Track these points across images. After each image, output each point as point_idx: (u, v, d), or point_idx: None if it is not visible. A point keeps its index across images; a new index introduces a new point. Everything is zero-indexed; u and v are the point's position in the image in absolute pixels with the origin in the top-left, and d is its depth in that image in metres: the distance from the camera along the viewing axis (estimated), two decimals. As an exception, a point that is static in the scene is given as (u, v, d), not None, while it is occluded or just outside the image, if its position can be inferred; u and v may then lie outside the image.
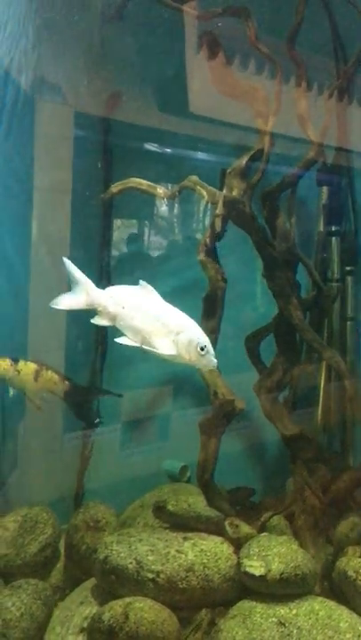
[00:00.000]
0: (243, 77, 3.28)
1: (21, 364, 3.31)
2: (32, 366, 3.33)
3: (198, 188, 3.01)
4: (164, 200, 3.19)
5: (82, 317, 3.94)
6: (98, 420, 3.70)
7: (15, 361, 3.29)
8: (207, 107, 3.33)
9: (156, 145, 3.92)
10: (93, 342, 4.08)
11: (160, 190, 3.17)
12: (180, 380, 3.91)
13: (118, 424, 4.10)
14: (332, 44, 3.38)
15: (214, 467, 3.16)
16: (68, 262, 2.59)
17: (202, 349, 2.39)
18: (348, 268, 3.62)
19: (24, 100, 3.61)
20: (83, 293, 2.55)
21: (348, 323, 3.62)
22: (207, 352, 2.41)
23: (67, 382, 3.43)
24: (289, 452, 3.27)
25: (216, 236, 3.13)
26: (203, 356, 2.40)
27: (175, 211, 4.19)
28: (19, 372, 3.28)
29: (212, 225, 3.13)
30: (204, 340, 2.41)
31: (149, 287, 2.46)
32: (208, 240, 3.13)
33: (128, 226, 4.26)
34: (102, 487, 3.77)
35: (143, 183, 3.21)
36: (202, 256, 3.13)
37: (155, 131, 3.86)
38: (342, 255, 3.61)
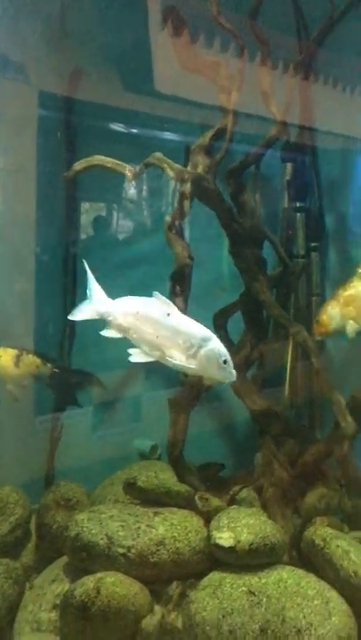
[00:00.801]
0: (207, 54, 3.27)
1: (0, 350, 3.29)
2: (11, 352, 3.31)
3: (163, 164, 2.99)
4: (131, 178, 3.15)
5: (49, 299, 3.99)
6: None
7: None
8: (173, 85, 3.31)
9: (120, 124, 3.89)
10: (61, 325, 4.09)
11: (125, 167, 3.14)
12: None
13: (90, 406, 4.13)
14: (295, 22, 3.37)
15: (183, 443, 3.19)
16: (88, 271, 2.57)
17: (224, 363, 2.34)
18: (312, 245, 3.65)
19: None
20: (95, 303, 2.53)
21: (314, 298, 3.66)
22: (228, 365, 2.36)
23: (49, 365, 3.44)
24: (257, 427, 3.31)
25: (182, 214, 3.13)
26: (223, 370, 2.35)
27: (140, 190, 4.18)
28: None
29: (179, 202, 3.13)
30: (226, 353, 2.36)
31: (164, 298, 2.40)
32: (174, 217, 3.13)
33: (94, 207, 4.25)
34: (74, 468, 3.78)
35: (108, 161, 3.19)
36: (168, 233, 3.13)
37: (119, 110, 3.84)
38: (307, 231, 3.64)
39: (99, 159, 3.21)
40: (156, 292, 2.38)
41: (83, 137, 3.77)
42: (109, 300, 2.52)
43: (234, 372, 2.40)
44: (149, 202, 4.18)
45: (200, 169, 3.06)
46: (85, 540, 2.86)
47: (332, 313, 3.07)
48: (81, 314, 2.59)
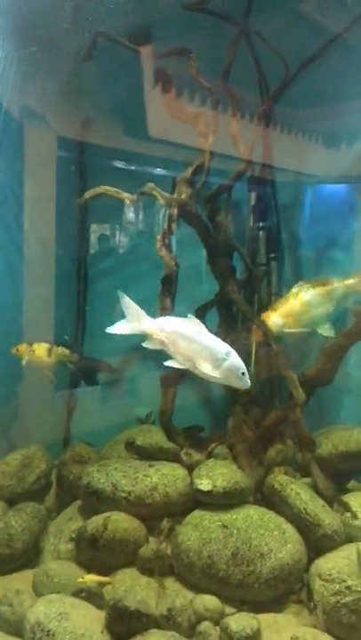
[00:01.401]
0: (190, 107, 3.27)
1: (35, 345, 3.31)
2: (44, 345, 3.33)
3: (154, 192, 3.00)
4: (130, 204, 3.15)
5: (65, 301, 4.01)
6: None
7: (29, 344, 3.29)
8: (163, 131, 3.32)
9: (121, 162, 3.89)
10: (75, 321, 4.10)
11: (125, 195, 3.15)
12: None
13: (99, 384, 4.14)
14: (258, 81, 3.37)
15: (172, 411, 3.20)
16: (123, 296, 2.46)
17: (242, 374, 2.32)
18: (272, 255, 3.64)
19: (14, 127, 3.57)
20: (135, 322, 2.44)
21: (273, 297, 3.66)
22: (245, 376, 2.33)
23: (75, 354, 3.47)
24: (230, 397, 3.32)
25: (170, 231, 3.14)
26: (241, 379, 2.33)
27: (136, 214, 4.18)
28: (34, 351, 3.27)
29: (167, 222, 3.14)
30: (243, 366, 2.32)
31: (196, 320, 2.35)
32: (164, 234, 3.14)
33: (100, 228, 4.25)
34: (87, 432, 3.78)
35: (110, 190, 3.19)
36: (159, 247, 3.14)
37: (121, 150, 3.84)
38: (268, 245, 3.64)
39: (104, 189, 3.21)
40: (190, 315, 2.33)
41: (92, 172, 3.76)
42: (150, 318, 2.42)
43: (249, 381, 2.37)
44: (143, 224, 4.18)
45: (184, 196, 3.06)
46: (95, 487, 2.87)
47: (276, 321, 3.03)
48: (120, 329, 2.47)
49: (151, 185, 3.04)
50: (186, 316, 2.42)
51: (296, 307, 3.02)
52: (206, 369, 2.28)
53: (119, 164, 3.90)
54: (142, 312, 2.43)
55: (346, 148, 3.52)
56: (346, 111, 3.46)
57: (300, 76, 3.20)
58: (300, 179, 3.67)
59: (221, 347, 2.29)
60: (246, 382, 2.35)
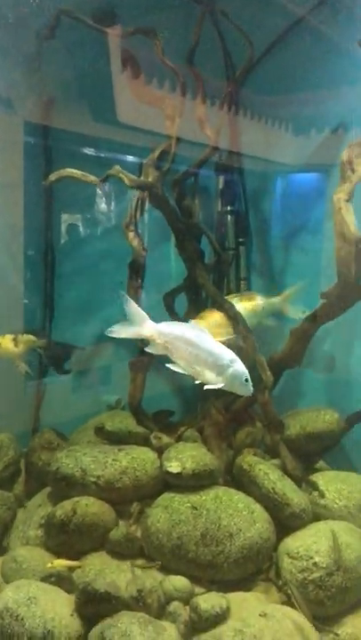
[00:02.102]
0: (157, 91, 3.23)
1: None
2: (8, 336, 3.26)
3: (121, 175, 2.96)
4: (100, 193, 3.11)
5: (34, 288, 3.96)
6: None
7: None
8: (132, 116, 3.27)
9: (90, 148, 3.83)
10: (43, 308, 4.06)
11: (91, 178, 3.10)
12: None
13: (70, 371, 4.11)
14: (224, 64, 3.36)
15: (141, 396, 3.19)
16: (127, 299, 2.37)
17: (246, 381, 2.26)
18: (240, 240, 3.65)
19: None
20: (137, 326, 2.33)
21: (242, 282, 3.67)
22: (248, 382, 2.27)
23: (42, 340, 3.41)
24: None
25: (137, 215, 3.12)
26: (245, 386, 2.27)
27: (108, 205, 4.14)
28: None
29: (134, 205, 3.11)
30: (247, 373, 2.26)
31: (200, 327, 2.31)
32: (131, 217, 3.12)
33: (70, 216, 4.20)
34: (57, 421, 3.75)
35: (76, 172, 3.13)
36: (126, 230, 3.11)
37: (88, 136, 3.78)
38: (236, 230, 3.64)
39: (69, 171, 3.15)
40: (192, 321, 2.32)
41: (58, 158, 3.70)
42: (152, 323, 2.32)
43: (252, 388, 2.31)
44: (112, 212, 4.13)
45: (151, 179, 3.04)
46: (64, 472, 2.85)
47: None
48: (122, 333, 2.35)
49: (117, 167, 3.00)
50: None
51: (223, 318, 2.99)
52: (210, 376, 2.24)
53: (87, 150, 3.83)
54: (145, 316, 2.34)
55: (315, 135, 3.52)
56: (314, 98, 3.47)
57: (269, 62, 3.20)
58: (268, 164, 3.66)
59: (226, 353, 2.24)
60: (249, 389, 2.30)
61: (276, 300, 3.12)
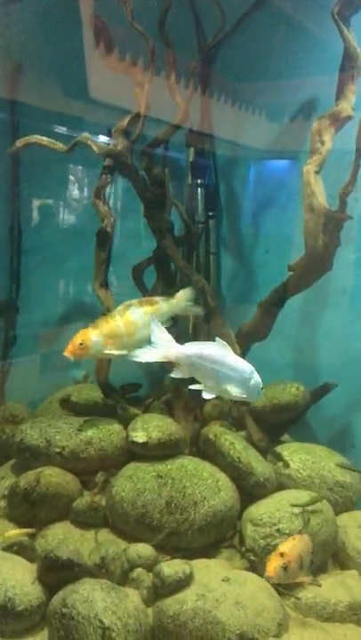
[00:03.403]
0: (126, 58, 3.17)
1: None
2: None
3: (89, 142, 2.91)
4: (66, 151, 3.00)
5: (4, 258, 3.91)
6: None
7: None
8: (104, 93, 3.20)
9: (60, 125, 3.73)
10: (9, 280, 4.00)
11: (58, 145, 3.03)
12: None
13: (38, 354, 4.11)
14: (195, 32, 3.32)
15: (108, 368, 3.15)
16: (153, 320, 2.30)
17: (261, 389, 2.28)
18: (210, 213, 3.62)
19: None
20: (163, 349, 2.26)
21: (211, 256, 3.65)
22: (262, 389, 2.32)
23: None
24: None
25: (105, 183, 3.07)
26: (260, 393, 2.29)
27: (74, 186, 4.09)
28: None
29: (102, 173, 3.06)
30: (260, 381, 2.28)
31: (223, 343, 2.25)
32: (99, 186, 3.06)
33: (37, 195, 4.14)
34: (24, 398, 3.72)
35: (44, 139, 3.06)
36: (94, 199, 3.06)
37: (58, 113, 3.70)
38: (206, 203, 3.61)
39: (36, 138, 3.08)
40: (218, 338, 2.25)
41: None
42: (178, 345, 2.26)
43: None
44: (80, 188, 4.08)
45: (119, 147, 2.99)
46: (28, 443, 2.83)
47: (96, 341, 2.61)
48: (147, 357, 2.29)
49: (86, 135, 2.94)
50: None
51: (121, 326, 2.66)
52: (235, 391, 2.23)
53: (58, 128, 3.73)
54: (171, 339, 2.28)
55: (287, 109, 3.50)
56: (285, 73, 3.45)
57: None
58: (239, 136, 3.63)
59: (245, 366, 2.25)
60: (260, 396, 2.41)
61: (175, 301, 2.87)
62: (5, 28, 3.41)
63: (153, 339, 2.28)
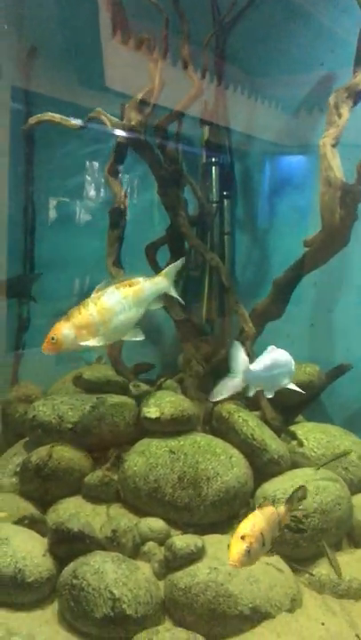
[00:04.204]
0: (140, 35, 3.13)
1: None
2: None
3: (102, 117, 2.90)
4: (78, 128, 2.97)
5: (16, 237, 3.91)
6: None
7: None
8: (121, 82, 3.17)
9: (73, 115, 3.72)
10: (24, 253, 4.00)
11: (71, 122, 3.02)
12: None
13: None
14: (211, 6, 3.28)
15: (121, 347, 3.14)
16: (235, 344, 2.28)
17: None
18: (225, 193, 3.59)
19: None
20: (241, 375, 2.24)
21: (226, 236, 3.62)
22: None
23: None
24: (180, 334, 3.28)
25: (118, 160, 3.05)
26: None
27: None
28: None
29: (115, 149, 3.04)
30: None
31: (280, 350, 2.33)
32: (112, 163, 3.05)
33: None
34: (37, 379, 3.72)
35: (56, 116, 3.07)
36: (107, 176, 3.05)
37: (74, 104, 3.68)
38: (221, 182, 3.57)
39: (49, 115, 3.09)
40: (271, 346, 2.31)
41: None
42: (252, 370, 2.25)
43: None
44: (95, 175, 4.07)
45: (133, 123, 2.96)
46: (40, 419, 2.81)
47: (67, 334, 2.38)
48: (227, 391, 2.29)
49: (99, 109, 2.93)
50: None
51: (95, 315, 2.41)
52: (287, 383, 2.37)
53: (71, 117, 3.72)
54: (247, 361, 2.26)
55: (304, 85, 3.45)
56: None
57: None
58: (256, 115, 3.59)
59: (288, 357, 2.36)
60: None
61: (160, 279, 2.63)
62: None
63: (232, 363, 2.26)
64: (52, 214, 4.07)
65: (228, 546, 1.82)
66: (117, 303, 2.47)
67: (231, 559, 1.79)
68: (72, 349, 2.44)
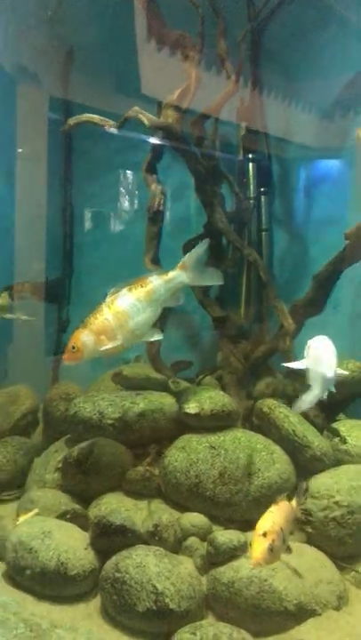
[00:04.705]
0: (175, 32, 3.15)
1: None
2: (4, 293, 3.26)
3: (140, 115, 2.91)
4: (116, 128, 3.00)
5: (57, 240, 3.98)
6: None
7: None
8: (156, 90, 3.19)
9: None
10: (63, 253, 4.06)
11: (109, 122, 3.06)
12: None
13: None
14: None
15: (160, 344, 3.14)
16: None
17: None
18: (262, 189, 3.56)
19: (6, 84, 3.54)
20: (321, 382, 2.28)
21: (263, 233, 3.58)
22: None
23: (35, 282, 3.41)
24: (218, 331, 3.26)
25: (156, 157, 3.07)
26: None
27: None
28: None
29: (152, 149, 3.06)
30: None
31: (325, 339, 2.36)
32: (149, 161, 3.07)
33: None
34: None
35: (95, 117, 3.10)
36: (145, 174, 3.07)
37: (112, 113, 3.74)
38: (258, 179, 3.55)
39: (87, 116, 3.12)
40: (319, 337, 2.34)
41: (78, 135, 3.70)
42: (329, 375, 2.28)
43: None
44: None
45: (170, 120, 2.98)
46: (81, 416, 2.84)
47: (86, 341, 2.38)
48: (310, 401, 2.32)
49: (136, 108, 2.95)
50: None
51: (110, 319, 2.40)
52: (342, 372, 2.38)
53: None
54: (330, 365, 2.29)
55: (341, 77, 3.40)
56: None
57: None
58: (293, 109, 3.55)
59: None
60: None
61: (174, 274, 2.54)
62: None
63: (311, 377, 2.29)
64: (91, 218, 4.13)
65: (250, 544, 1.78)
66: (131, 305, 2.47)
67: (254, 558, 1.75)
68: (94, 356, 2.44)
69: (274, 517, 1.86)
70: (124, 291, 2.48)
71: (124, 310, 2.45)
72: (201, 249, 2.62)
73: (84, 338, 2.39)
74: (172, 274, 2.56)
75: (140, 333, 2.49)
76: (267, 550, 1.76)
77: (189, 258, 2.59)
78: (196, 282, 2.66)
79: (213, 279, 2.78)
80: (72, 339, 2.41)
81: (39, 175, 3.81)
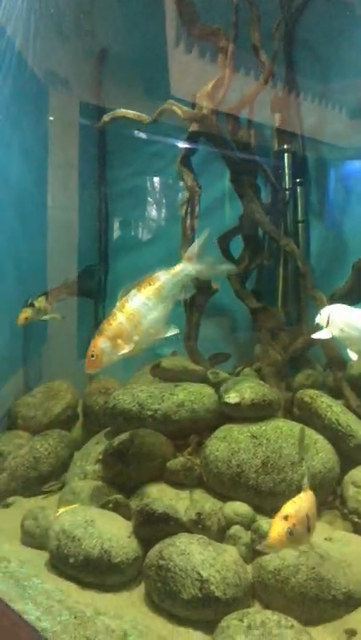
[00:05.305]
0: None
1: (35, 302, 3.26)
2: (41, 298, 3.31)
3: (174, 107, 2.92)
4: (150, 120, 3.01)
5: (88, 247, 4.02)
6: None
7: (31, 305, 3.22)
8: (186, 92, 3.20)
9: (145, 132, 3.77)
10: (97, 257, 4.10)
11: (144, 117, 3.07)
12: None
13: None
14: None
15: (197, 335, 3.13)
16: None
17: None
18: (298, 180, 3.53)
19: (38, 90, 3.61)
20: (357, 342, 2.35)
21: (300, 224, 3.55)
22: None
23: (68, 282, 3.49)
24: (256, 322, 3.24)
25: (191, 151, 3.07)
26: None
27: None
28: (36, 307, 3.22)
29: (188, 140, 3.06)
30: None
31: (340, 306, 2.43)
32: (184, 154, 3.07)
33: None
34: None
35: (130, 112, 3.12)
36: (180, 167, 3.07)
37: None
38: (293, 169, 3.52)
39: (122, 112, 3.14)
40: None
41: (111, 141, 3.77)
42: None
43: None
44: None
45: (205, 111, 2.98)
46: (121, 407, 2.84)
47: (104, 347, 2.36)
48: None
49: (171, 101, 2.96)
50: None
51: (124, 322, 2.38)
52: None
53: (142, 134, 3.78)
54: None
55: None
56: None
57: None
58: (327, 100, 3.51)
59: None
60: None
61: (177, 268, 2.52)
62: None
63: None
64: (126, 218, 4.16)
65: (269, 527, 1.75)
66: (143, 304, 2.44)
67: (270, 538, 1.71)
68: (113, 361, 2.42)
69: (300, 503, 1.84)
70: (134, 291, 2.46)
71: (136, 311, 2.43)
72: (203, 239, 2.62)
73: (101, 345, 2.38)
74: (178, 267, 2.55)
75: (155, 331, 2.47)
76: (285, 533, 1.72)
77: (192, 249, 2.59)
78: (204, 272, 2.66)
79: (222, 268, 2.81)
80: (90, 347, 2.39)
81: (72, 179, 3.88)
